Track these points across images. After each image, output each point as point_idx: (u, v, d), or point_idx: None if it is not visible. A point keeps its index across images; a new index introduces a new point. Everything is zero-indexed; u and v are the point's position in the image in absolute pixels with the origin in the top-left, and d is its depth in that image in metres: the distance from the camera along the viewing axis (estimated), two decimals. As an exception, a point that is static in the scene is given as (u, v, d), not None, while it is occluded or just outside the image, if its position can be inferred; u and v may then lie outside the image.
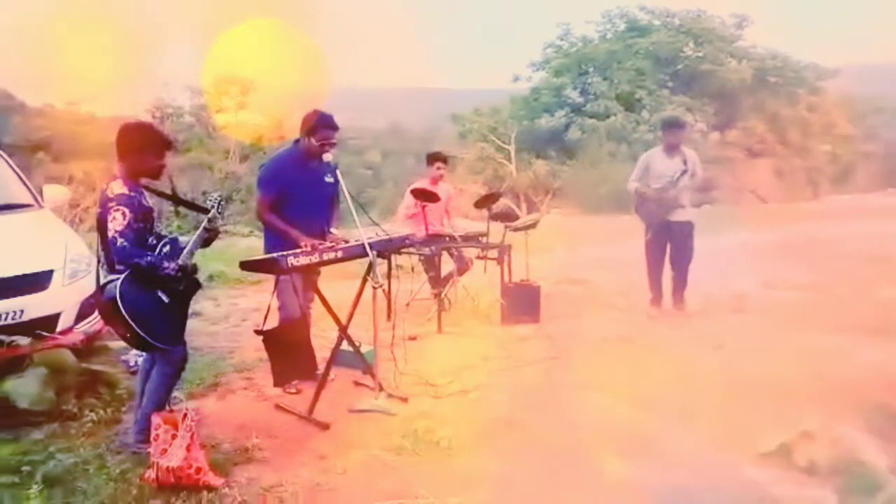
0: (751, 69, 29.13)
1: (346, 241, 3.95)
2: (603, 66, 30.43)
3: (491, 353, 5.09)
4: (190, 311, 6.38)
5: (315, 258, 3.61)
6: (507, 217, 6.31)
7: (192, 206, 3.74)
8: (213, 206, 3.47)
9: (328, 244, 3.86)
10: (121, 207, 3.06)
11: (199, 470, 2.96)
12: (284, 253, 3.55)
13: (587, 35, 32.51)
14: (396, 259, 6.35)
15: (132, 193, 3.14)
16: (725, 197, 22.82)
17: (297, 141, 4.18)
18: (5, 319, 4.23)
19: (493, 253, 6.13)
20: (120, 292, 3.02)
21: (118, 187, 3.13)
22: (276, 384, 3.82)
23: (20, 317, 4.29)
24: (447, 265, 6.29)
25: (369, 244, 3.77)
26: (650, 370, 4.67)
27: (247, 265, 3.63)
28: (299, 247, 3.76)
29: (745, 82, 28.95)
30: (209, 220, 3.43)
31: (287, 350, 3.82)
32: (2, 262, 4.37)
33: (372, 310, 3.99)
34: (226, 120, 21.97)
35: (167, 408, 3.27)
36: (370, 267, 3.80)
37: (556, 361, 4.87)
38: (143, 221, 3.19)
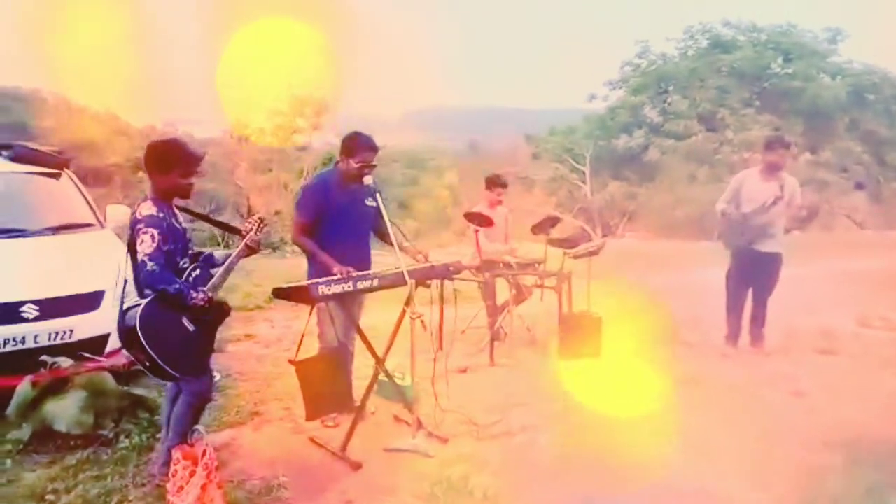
0: (845, 86, 27.39)
1: (427, 260, 3.82)
2: (683, 84, 29.40)
3: (544, 390, 4.76)
4: (243, 332, 6.52)
5: (348, 286, 3.44)
6: (567, 243, 5.96)
7: (227, 227, 3.68)
8: (251, 230, 3.36)
9: (369, 271, 3.68)
10: (150, 229, 2.99)
11: (213, 512, 2.80)
12: (316, 281, 3.40)
13: (667, 53, 31.57)
14: (452, 284, 6.19)
15: (161, 214, 3.06)
16: (817, 222, 21.42)
17: (336, 163, 4.05)
18: (55, 339, 4.27)
19: (552, 281, 5.81)
20: (141, 318, 2.93)
21: (147, 208, 3.06)
22: (308, 418, 3.65)
23: (69, 337, 4.33)
24: (506, 293, 6.01)
25: (408, 272, 3.56)
26: (719, 417, 4.22)
27: (278, 292, 3.49)
28: (332, 273, 3.59)
29: (838, 100, 27.22)
30: (246, 244, 3.33)
31: (321, 382, 3.64)
32: (55, 281, 4.46)
33: (411, 341, 3.77)
34: (301, 140, 22.54)
35: (189, 441, 3.14)
36: (409, 296, 3.59)
37: (613, 402, 4.49)
38: (173, 243, 3.10)
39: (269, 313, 7.28)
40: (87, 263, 4.87)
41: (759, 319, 5.66)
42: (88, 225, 5.41)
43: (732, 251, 5.63)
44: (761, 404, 4.49)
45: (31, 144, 5.64)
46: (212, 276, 3.25)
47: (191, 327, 3.10)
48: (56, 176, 5.66)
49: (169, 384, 3.39)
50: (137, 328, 2.91)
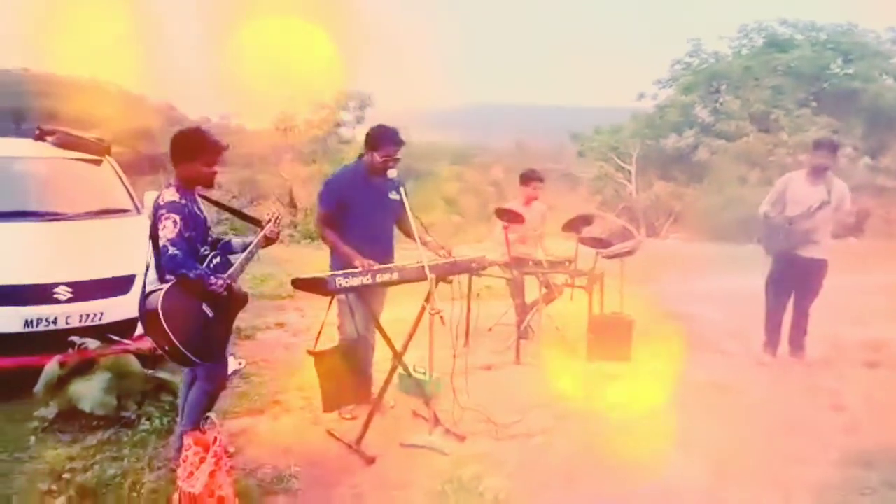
0: (910, 88, 26.15)
1: (450, 256, 3.77)
2: (736, 83, 28.52)
3: (568, 392, 4.64)
4: (274, 321, 6.57)
5: (367, 279, 3.41)
6: (599, 242, 5.80)
7: (247, 218, 3.68)
8: (269, 221, 3.41)
9: (390, 264, 3.65)
10: (172, 215, 3.01)
11: (220, 500, 2.80)
12: (333, 273, 3.38)
13: (720, 51, 30.67)
14: (482, 280, 6.11)
15: (183, 201, 3.10)
16: (876, 229, 20.49)
17: (361, 156, 4.02)
18: (85, 321, 4.38)
19: (583, 280, 5.67)
20: (163, 302, 2.95)
21: (170, 195, 3.09)
22: (325, 409, 3.64)
23: (100, 319, 4.44)
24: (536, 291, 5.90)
25: (429, 267, 3.52)
26: (750, 429, 4.04)
27: (297, 283, 3.48)
28: (353, 265, 3.57)
29: (902, 102, 26.00)
30: (265, 235, 3.38)
31: (338, 374, 3.62)
32: (89, 264, 4.56)
33: (430, 336, 3.71)
34: (346, 134, 22.75)
35: (201, 427, 3.16)
36: (430, 291, 3.54)
37: (640, 408, 4.34)
38: (194, 230, 3.14)
39: (300, 302, 7.30)
40: (120, 248, 4.95)
41: (799, 328, 5.41)
42: (126, 211, 5.53)
43: (774, 256, 5.39)
44: (797, 417, 4.28)
45: (74, 131, 5.79)
46: (231, 264, 3.27)
47: (210, 313, 3.11)
48: (97, 162, 5.80)
49: (186, 370, 3.42)
50: (159, 312, 2.93)
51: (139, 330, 4.49)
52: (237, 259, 3.30)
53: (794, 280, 5.32)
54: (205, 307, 3.10)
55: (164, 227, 3.00)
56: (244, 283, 7.30)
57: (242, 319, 6.38)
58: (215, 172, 3.24)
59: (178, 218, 3.01)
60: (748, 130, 26.53)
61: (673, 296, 8.48)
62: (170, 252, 2.97)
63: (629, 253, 5.79)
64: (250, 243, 3.40)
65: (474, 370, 5.06)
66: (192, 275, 3.01)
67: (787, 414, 4.34)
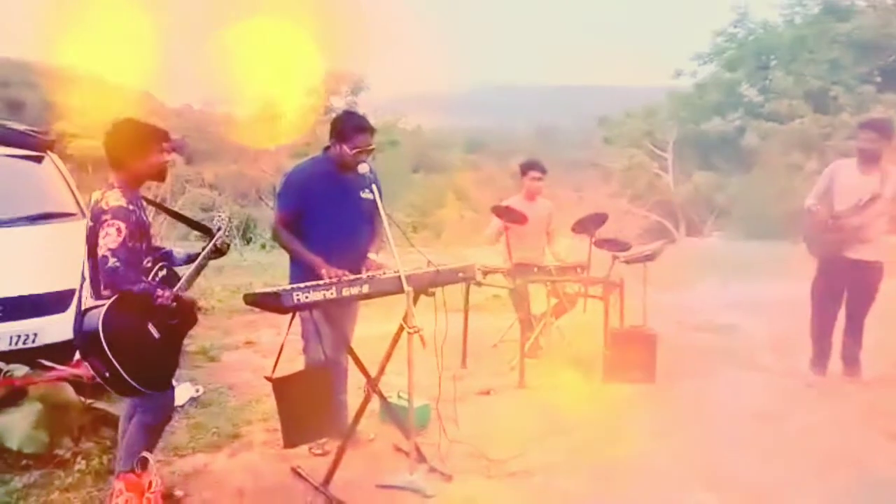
0: None
1: (384, 271, 3.63)
2: (788, 57, 28.28)
3: (580, 419, 4.52)
4: (243, 339, 6.51)
5: (331, 293, 3.30)
6: (616, 245, 5.67)
7: (196, 225, 3.67)
8: (219, 228, 3.44)
9: (360, 275, 3.55)
10: (116, 222, 2.97)
11: (153, 555, 2.72)
12: (290, 287, 3.28)
13: (769, 20, 30.43)
14: (488, 290, 6.00)
15: (131, 207, 3.06)
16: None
17: (327, 148, 3.93)
18: (17, 343, 4.33)
19: (598, 289, 5.54)
20: (103, 323, 2.89)
21: (115, 198, 3.04)
22: (285, 444, 3.54)
23: (34, 341, 4.39)
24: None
25: (406, 277, 3.42)
26: (794, 464, 3.90)
27: (249, 299, 3.37)
28: (318, 276, 3.48)
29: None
30: (215, 245, 3.40)
31: (303, 403, 3.51)
32: (23, 277, 4.51)
33: (408, 358, 3.60)
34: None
35: (135, 469, 3.08)
36: (408, 306, 3.45)
37: (664, 440, 4.22)
38: (140, 240, 3.10)
39: (276, 318, 7.22)
40: (60, 258, 4.88)
41: (853, 342, 5.26)
42: (69, 215, 5.48)
43: (820, 258, 5.25)
44: (852, 447, 4.14)
45: (10, 123, 5.76)
46: (178, 278, 3.23)
47: (156, 334, 3.07)
48: (38, 159, 5.76)
49: (127, 400, 3.35)
50: (100, 333, 2.88)
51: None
52: (186, 271, 3.27)
53: (844, 286, 5.18)
54: (151, 327, 3.06)
55: (107, 234, 2.95)
56: (211, 296, 7.35)
57: (207, 338, 6.38)
58: (167, 162, 3.23)
59: (123, 225, 2.97)
60: (802, 111, 26.24)
61: (709, 304, 8.33)
62: (110, 264, 2.92)
63: (650, 258, 5.67)
64: (196, 255, 3.37)
65: (470, 395, 4.99)
66: (136, 289, 2.97)
67: (839, 444, 4.20)
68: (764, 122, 27.06)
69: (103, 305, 2.94)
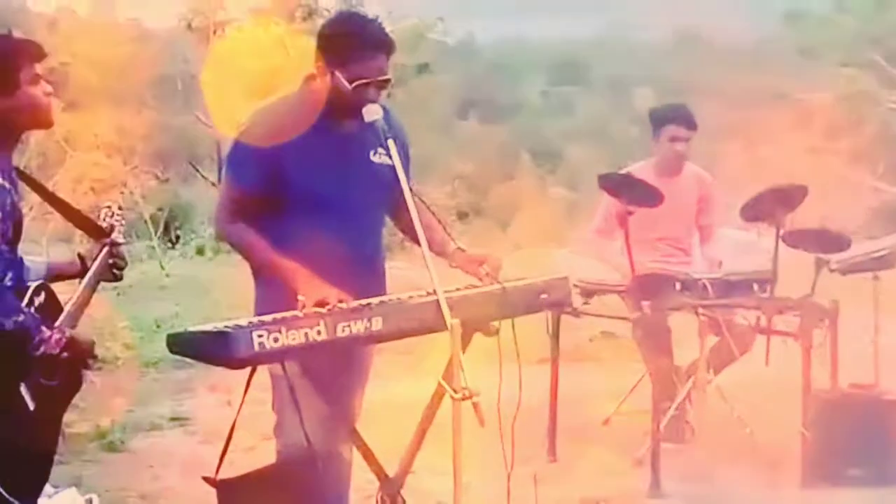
0: None
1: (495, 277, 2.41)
2: None
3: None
4: (169, 413, 5.10)
5: (318, 333, 1.99)
6: (825, 241, 3.99)
7: (79, 220, 2.68)
8: (109, 224, 2.53)
9: (372, 300, 2.24)
10: None
11: None
12: (249, 322, 2.04)
13: None
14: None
15: (6, 184, 2.24)
16: None
17: (309, 78, 2.54)
18: None
19: (791, 321, 3.91)
20: None
21: None
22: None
23: None
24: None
25: (449, 301, 2.14)
26: None
27: (177, 344, 2.13)
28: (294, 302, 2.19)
29: None
30: (110, 253, 2.49)
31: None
32: None
33: (454, 442, 2.15)
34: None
35: None
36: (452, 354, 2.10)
37: None
38: (11, 242, 2.27)
39: (223, 376, 5.36)
40: None
41: None
42: None
43: None
44: None
45: None
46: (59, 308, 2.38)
47: (31, 404, 2.28)
48: None
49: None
50: None
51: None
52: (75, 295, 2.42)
53: None
54: (23, 390, 2.25)
55: None
56: (112, 339, 5.45)
57: (106, 411, 4.63)
58: (47, 95, 2.35)
59: None
60: None
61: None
62: None
63: (886, 263, 4.11)
64: (58, 267, 2.52)
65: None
66: (9, 324, 2.15)
67: None
68: None
69: None
